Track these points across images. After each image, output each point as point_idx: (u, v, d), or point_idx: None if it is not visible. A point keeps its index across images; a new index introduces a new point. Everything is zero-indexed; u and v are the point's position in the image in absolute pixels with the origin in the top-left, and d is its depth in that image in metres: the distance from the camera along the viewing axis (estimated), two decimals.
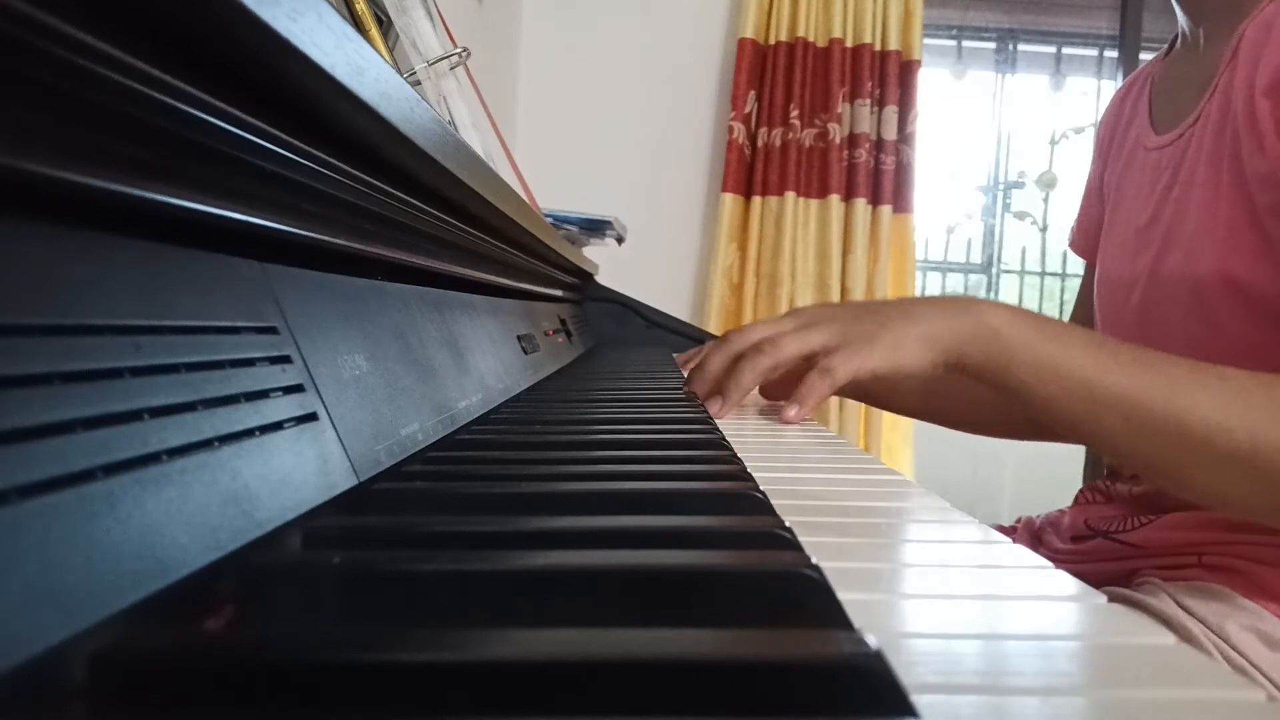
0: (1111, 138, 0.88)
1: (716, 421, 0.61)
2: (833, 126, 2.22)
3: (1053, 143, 2.66)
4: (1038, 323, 0.60)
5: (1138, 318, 0.76)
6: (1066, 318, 0.99)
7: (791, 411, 0.64)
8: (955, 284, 2.73)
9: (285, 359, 0.31)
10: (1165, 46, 0.84)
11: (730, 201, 2.25)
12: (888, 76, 2.25)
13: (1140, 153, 0.80)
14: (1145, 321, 0.75)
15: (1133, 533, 0.74)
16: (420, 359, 0.47)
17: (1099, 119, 0.94)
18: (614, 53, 2.31)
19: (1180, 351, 0.71)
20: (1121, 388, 0.56)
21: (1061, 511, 0.88)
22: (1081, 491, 0.87)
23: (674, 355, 1.26)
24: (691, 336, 1.49)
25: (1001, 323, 0.59)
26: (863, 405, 2.18)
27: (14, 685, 0.15)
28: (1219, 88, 0.69)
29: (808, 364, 0.65)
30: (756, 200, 2.25)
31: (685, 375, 1.07)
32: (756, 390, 0.77)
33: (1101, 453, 0.65)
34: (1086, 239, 0.95)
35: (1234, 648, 0.61)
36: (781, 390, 0.69)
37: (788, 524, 0.30)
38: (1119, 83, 0.92)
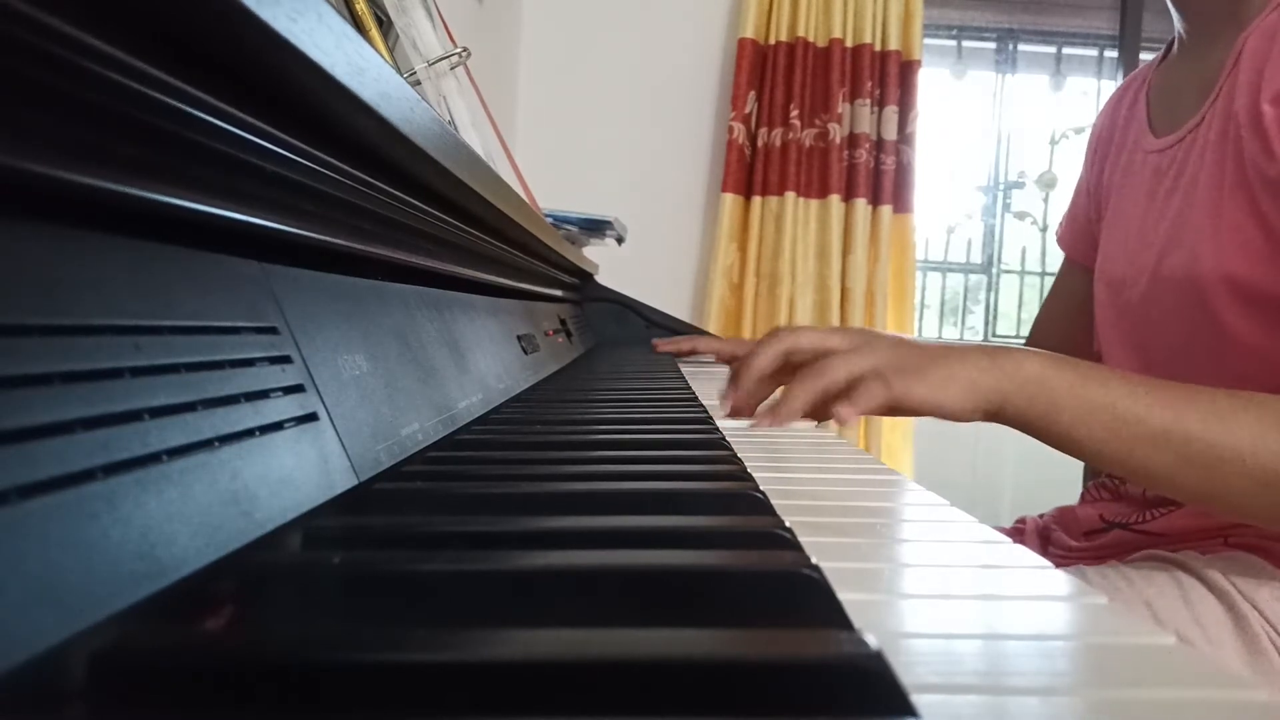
0: (1109, 141, 0.89)
1: (716, 421, 0.61)
2: (833, 126, 2.22)
3: (1053, 143, 2.66)
4: (1075, 367, 0.60)
5: (1139, 315, 0.76)
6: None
7: (846, 410, 0.59)
8: (955, 284, 2.73)
9: (285, 359, 0.31)
10: (1161, 51, 0.84)
11: (730, 201, 2.25)
12: (888, 76, 2.24)
13: (1140, 155, 0.81)
14: (1146, 319, 0.76)
15: (1153, 522, 0.75)
16: (420, 359, 0.47)
17: (1094, 122, 0.95)
18: (614, 53, 2.31)
19: (1182, 349, 0.72)
20: (1166, 422, 0.57)
21: (1068, 508, 0.88)
22: (1088, 488, 0.87)
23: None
24: None
25: (1042, 369, 0.59)
26: None
27: (14, 685, 0.15)
28: (1222, 93, 0.70)
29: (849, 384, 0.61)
30: (756, 200, 2.25)
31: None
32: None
33: (1153, 488, 0.66)
34: (1073, 236, 0.97)
35: (1264, 616, 0.62)
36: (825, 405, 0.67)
37: (788, 524, 0.30)
38: (1119, 83, 0.93)
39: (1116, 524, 0.78)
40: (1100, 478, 0.87)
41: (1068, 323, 0.97)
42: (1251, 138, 0.65)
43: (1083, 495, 0.88)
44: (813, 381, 0.63)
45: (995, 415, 0.60)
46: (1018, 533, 0.91)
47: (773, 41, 2.24)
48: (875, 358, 0.61)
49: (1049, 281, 1.06)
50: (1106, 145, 0.90)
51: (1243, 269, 0.65)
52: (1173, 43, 0.82)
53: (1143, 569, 0.70)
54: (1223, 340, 0.68)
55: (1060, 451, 0.60)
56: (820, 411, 0.66)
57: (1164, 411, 0.57)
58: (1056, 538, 0.86)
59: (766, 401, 0.67)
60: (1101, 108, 0.94)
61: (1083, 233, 0.94)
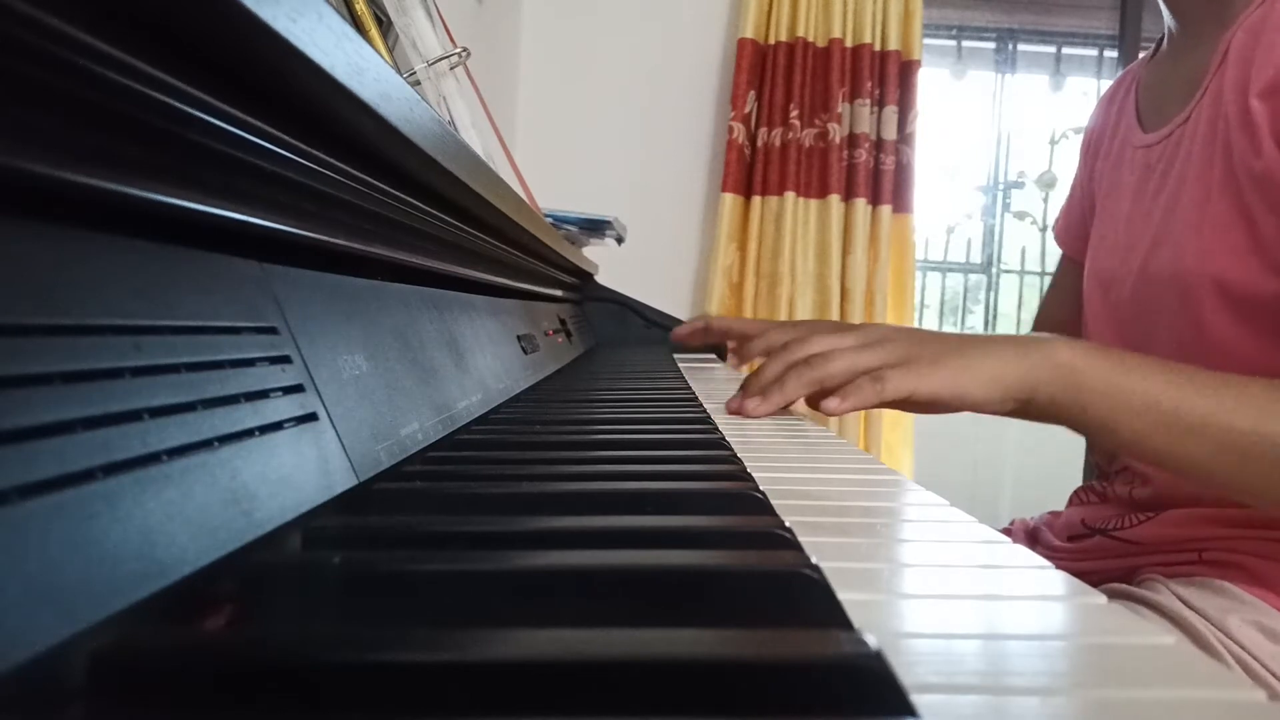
0: (1100, 137, 0.89)
1: (716, 421, 0.61)
2: (832, 126, 2.22)
3: (1053, 143, 2.66)
4: (1108, 356, 0.59)
5: (1128, 314, 0.76)
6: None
7: (833, 403, 0.61)
8: (955, 284, 2.73)
9: (285, 359, 0.31)
10: (1153, 47, 0.84)
11: (730, 201, 2.25)
12: (888, 76, 2.25)
13: (1129, 151, 0.81)
14: (1134, 317, 0.75)
15: (1132, 529, 0.75)
16: (420, 359, 0.47)
17: (1088, 119, 0.95)
18: (614, 53, 2.31)
19: (1166, 349, 0.71)
20: (1205, 413, 0.56)
21: (1056, 513, 0.88)
22: (1076, 492, 0.88)
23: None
24: None
25: (1075, 358, 0.58)
26: None
27: (14, 685, 0.15)
28: (1209, 90, 0.69)
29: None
30: (756, 200, 2.25)
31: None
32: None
33: (1185, 476, 0.65)
34: (1068, 233, 0.97)
35: (1236, 642, 0.61)
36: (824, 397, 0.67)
37: (788, 524, 0.30)
38: None
39: (1096, 530, 0.78)
40: (1090, 481, 0.87)
41: (1069, 318, 0.97)
42: (1240, 133, 0.65)
43: (1070, 499, 0.88)
44: (808, 373, 0.63)
45: (1025, 406, 0.59)
46: (1006, 534, 0.91)
47: (772, 41, 2.24)
48: (883, 354, 0.61)
49: (1049, 281, 1.07)
50: (1099, 142, 0.90)
51: (1227, 268, 0.65)
52: (1163, 39, 0.82)
53: None
54: (1206, 342, 0.67)
55: (1093, 441, 0.59)
56: (813, 400, 0.66)
57: (1202, 401, 0.56)
58: (1044, 538, 0.86)
59: (756, 385, 0.66)
60: (1094, 107, 0.94)
61: (1078, 229, 0.94)
